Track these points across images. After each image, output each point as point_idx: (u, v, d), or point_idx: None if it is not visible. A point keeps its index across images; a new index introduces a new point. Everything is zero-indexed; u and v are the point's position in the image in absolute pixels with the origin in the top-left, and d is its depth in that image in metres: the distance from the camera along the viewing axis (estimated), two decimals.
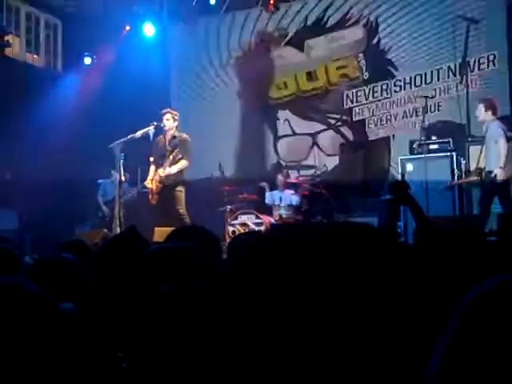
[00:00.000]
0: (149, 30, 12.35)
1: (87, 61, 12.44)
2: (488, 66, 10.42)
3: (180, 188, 8.91)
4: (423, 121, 8.84)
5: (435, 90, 10.64)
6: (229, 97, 12.32)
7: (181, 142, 8.97)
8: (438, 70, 10.89)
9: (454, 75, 10.73)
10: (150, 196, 8.95)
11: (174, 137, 9.01)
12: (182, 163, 8.87)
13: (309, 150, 12.09)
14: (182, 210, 8.86)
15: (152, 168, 9.12)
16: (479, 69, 10.50)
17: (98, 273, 2.83)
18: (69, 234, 9.46)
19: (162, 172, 8.86)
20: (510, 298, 0.80)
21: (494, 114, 8.38)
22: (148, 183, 9.03)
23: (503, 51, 10.27)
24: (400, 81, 11.29)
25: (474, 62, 10.52)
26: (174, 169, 8.83)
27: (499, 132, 8.12)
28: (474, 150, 8.59)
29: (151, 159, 9.42)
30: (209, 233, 2.94)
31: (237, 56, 12.56)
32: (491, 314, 0.82)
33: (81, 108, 11.95)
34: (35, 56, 12.50)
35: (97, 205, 11.45)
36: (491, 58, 10.36)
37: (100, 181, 11.54)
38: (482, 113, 8.40)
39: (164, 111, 9.06)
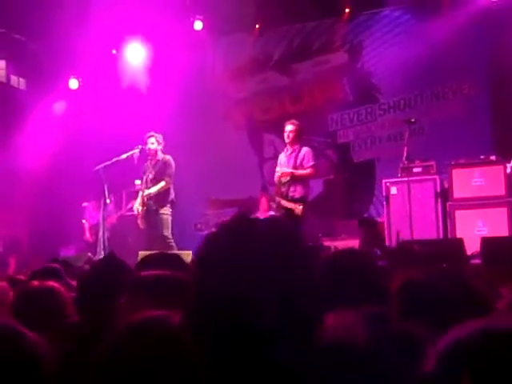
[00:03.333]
0: (135, 54, 12.37)
1: (73, 84, 12.40)
2: (469, 91, 10.55)
3: (164, 211, 8.91)
4: (407, 144, 8.87)
5: (418, 113, 10.71)
6: (215, 119, 12.35)
7: (163, 163, 9.02)
8: (421, 94, 11.00)
9: (437, 99, 10.85)
10: (138, 221, 8.96)
11: (158, 160, 9.06)
12: (161, 184, 8.91)
13: None
14: (167, 233, 8.85)
15: (140, 193, 9.14)
16: (461, 94, 10.63)
17: (79, 299, 2.85)
18: (54, 257, 9.40)
19: (143, 194, 8.90)
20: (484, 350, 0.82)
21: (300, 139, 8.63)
22: (136, 208, 9.04)
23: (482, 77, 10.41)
24: (384, 104, 11.39)
25: (456, 87, 10.68)
26: (153, 189, 8.87)
27: (307, 158, 8.51)
28: (456, 173, 8.64)
29: (137, 182, 9.45)
30: (180, 260, 2.91)
31: (222, 79, 12.61)
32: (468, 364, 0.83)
33: (66, 131, 11.94)
34: (21, 79, 12.48)
35: (82, 228, 11.40)
36: (472, 83, 10.50)
37: (85, 204, 11.48)
38: (289, 137, 8.56)
39: (148, 135, 9.11)
